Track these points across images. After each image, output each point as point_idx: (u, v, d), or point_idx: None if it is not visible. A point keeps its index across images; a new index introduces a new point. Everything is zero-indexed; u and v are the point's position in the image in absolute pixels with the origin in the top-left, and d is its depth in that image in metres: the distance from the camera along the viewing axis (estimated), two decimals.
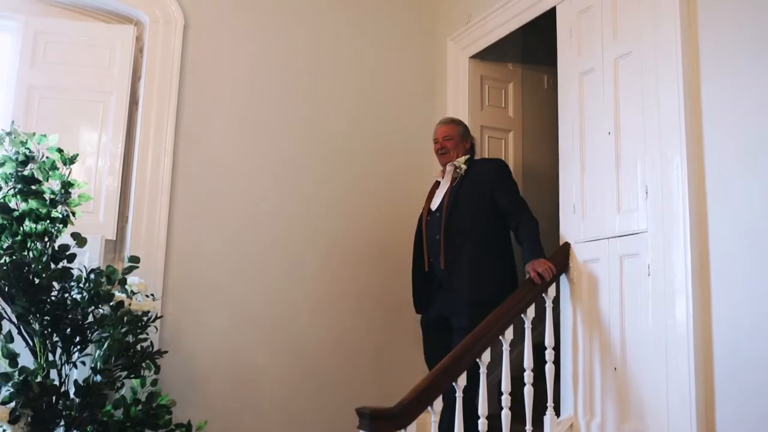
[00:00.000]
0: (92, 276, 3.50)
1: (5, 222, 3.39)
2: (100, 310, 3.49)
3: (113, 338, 3.46)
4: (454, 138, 4.09)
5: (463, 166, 4.00)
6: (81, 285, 3.48)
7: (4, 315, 3.32)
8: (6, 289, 3.30)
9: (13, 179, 3.40)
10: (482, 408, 3.52)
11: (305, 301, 4.34)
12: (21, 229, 3.40)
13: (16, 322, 3.39)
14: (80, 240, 3.48)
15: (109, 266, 3.59)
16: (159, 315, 3.77)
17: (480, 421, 3.49)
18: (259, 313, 4.24)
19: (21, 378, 3.29)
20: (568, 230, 3.82)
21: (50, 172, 3.44)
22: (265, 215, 4.35)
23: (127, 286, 3.59)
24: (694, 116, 3.17)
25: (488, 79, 4.90)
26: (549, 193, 4.38)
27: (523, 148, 4.92)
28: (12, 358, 3.34)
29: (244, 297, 4.21)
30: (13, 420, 3.18)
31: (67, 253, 3.45)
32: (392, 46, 4.88)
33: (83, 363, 3.57)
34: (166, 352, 3.63)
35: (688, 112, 3.20)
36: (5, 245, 3.38)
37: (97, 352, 3.51)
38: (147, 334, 3.63)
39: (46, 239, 3.43)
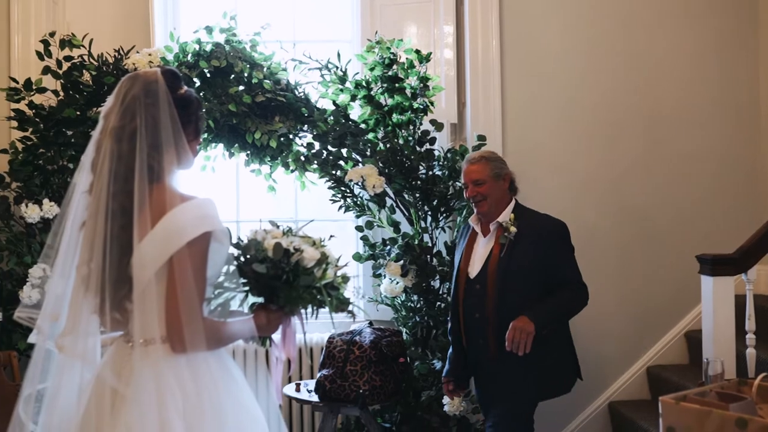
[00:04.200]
0: (449, 155, 4.15)
1: (378, 116, 4.12)
2: (458, 183, 4.13)
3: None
4: (487, 182, 3.35)
5: (513, 228, 3.26)
6: (441, 163, 4.15)
7: (387, 192, 4.09)
8: (386, 171, 4.05)
9: (380, 80, 4.09)
10: None
11: (632, 163, 4.61)
12: (390, 120, 4.12)
13: (394, 197, 4.16)
14: (438, 125, 4.13)
15: (462, 146, 4.22)
16: None
17: None
18: (590, 177, 4.60)
19: (404, 241, 4.08)
20: None
21: (409, 71, 4.08)
22: (591, 85, 4.62)
23: None
24: None
25: None
26: None
27: None
28: (395, 225, 4.14)
29: (576, 164, 4.59)
30: (404, 273, 3.98)
31: (429, 138, 4.11)
32: None
33: (449, 227, 4.28)
34: None
35: None
36: (380, 135, 4.13)
37: (459, 218, 4.19)
38: None
39: (411, 127, 4.11)
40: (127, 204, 1.90)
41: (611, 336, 4.57)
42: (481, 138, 4.22)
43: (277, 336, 2.18)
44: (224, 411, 1.95)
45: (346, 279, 2.17)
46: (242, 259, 2.06)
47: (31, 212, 3.80)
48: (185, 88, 2.06)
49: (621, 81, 4.64)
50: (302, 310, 2.12)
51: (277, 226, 2.15)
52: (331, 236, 2.22)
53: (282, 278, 2.04)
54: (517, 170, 4.51)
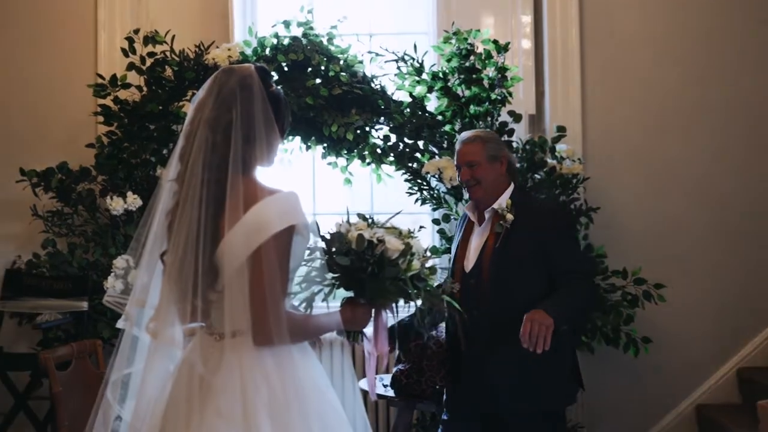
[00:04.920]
0: (527, 147, 4.06)
1: (455, 108, 4.06)
2: (537, 176, 4.04)
3: (550, 199, 4.00)
4: (481, 163, 3.05)
5: (509, 216, 2.96)
6: (519, 155, 4.06)
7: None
8: None
9: (457, 71, 4.03)
10: None
11: (718, 153, 4.41)
12: (468, 112, 4.05)
13: None
14: (516, 116, 4.04)
15: (541, 137, 4.12)
16: (585, 177, 4.20)
17: None
18: (675, 168, 4.42)
19: None
20: None
21: (486, 61, 4.01)
22: (673, 72, 4.45)
23: (556, 153, 4.07)
24: None
25: None
26: None
27: None
28: None
29: (659, 154, 4.41)
30: None
31: (507, 129, 4.03)
32: None
33: None
34: (598, 208, 4.07)
35: None
36: (457, 127, 4.07)
37: None
38: (577, 194, 4.12)
39: (489, 119, 4.04)
40: (219, 193, 1.92)
41: (698, 335, 4.38)
42: (561, 129, 4.11)
43: (369, 331, 2.15)
44: (308, 403, 1.94)
45: (433, 270, 2.12)
46: (327, 252, 2.05)
47: (116, 205, 3.90)
48: (275, 85, 2.09)
49: (704, 68, 4.46)
50: (393, 304, 2.08)
51: (364, 219, 2.12)
52: (421, 227, 2.18)
53: (367, 270, 2.01)
54: (597, 161, 4.43)
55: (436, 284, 2.14)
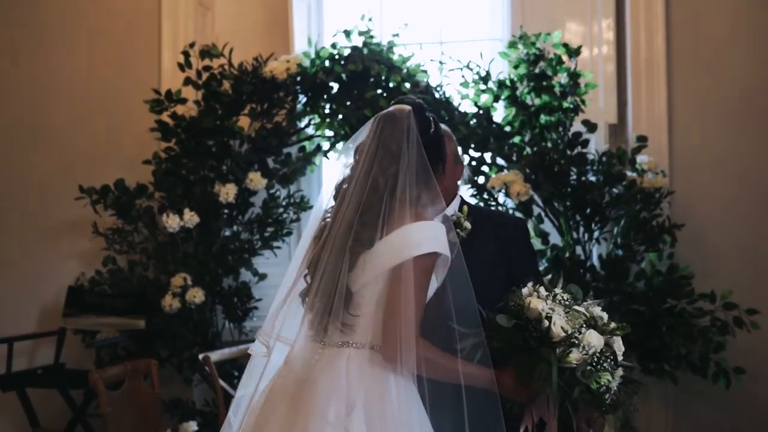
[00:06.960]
0: (604, 159, 3.76)
1: (524, 118, 3.81)
2: (614, 190, 3.73)
3: (629, 215, 3.70)
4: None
5: (467, 225, 2.48)
6: (594, 168, 3.77)
7: (534, 200, 3.77)
8: (533, 177, 3.73)
9: (526, 79, 3.78)
10: None
11: None
12: (538, 122, 3.79)
13: (542, 205, 3.83)
14: (591, 126, 3.76)
15: (620, 148, 3.83)
16: (670, 191, 3.86)
17: None
18: None
19: (553, 254, 3.75)
20: None
21: (557, 67, 3.74)
22: None
23: (637, 166, 3.76)
24: None
25: None
26: None
27: None
28: (543, 236, 3.81)
29: (751, 167, 4.04)
30: None
31: (580, 140, 3.75)
32: None
33: (604, 239, 3.88)
34: (683, 225, 3.73)
35: None
36: (527, 138, 3.82)
37: (615, 228, 3.79)
38: (660, 209, 3.79)
39: (560, 129, 3.77)
40: (370, 222, 1.95)
41: None
42: (641, 139, 3.81)
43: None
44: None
45: (604, 370, 1.83)
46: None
47: (172, 222, 3.82)
48: (433, 127, 2.08)
49: None
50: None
51: (575, 299, 1.93)
52: None
53: (526, 341, 1.87)
54: (684, 174, 4.09)
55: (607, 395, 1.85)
